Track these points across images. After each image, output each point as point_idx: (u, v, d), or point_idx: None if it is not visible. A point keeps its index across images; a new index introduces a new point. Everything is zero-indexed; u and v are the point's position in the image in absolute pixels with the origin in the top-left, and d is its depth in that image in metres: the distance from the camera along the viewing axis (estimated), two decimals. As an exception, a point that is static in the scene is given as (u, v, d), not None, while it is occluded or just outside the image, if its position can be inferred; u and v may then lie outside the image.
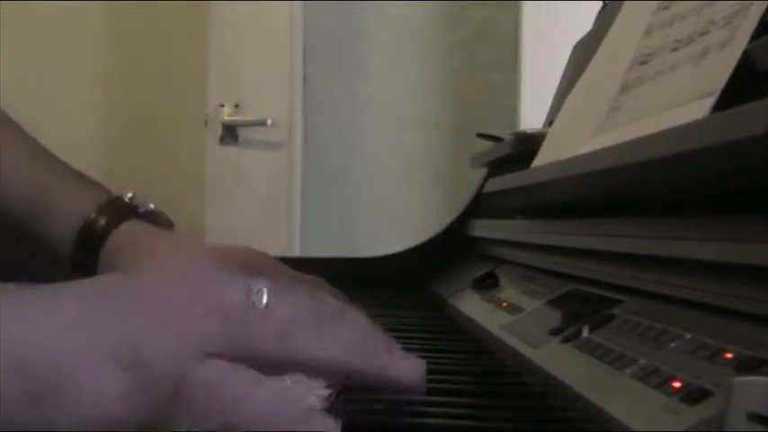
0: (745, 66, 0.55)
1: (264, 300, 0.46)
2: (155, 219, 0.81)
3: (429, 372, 0.64)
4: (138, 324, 0.44)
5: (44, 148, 0.84)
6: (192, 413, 0.43)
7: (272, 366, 0.45)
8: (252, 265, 0.72)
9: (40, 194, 0.79)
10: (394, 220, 2.49)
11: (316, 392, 0.46)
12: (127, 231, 0.78)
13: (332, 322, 0.49)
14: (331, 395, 0.47)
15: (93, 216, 0.78)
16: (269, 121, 2.41)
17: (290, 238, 2.44)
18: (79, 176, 0.83)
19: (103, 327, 0.43)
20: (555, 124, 0.94)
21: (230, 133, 2.47)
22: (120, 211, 0.79)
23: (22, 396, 0.41)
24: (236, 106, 2.46)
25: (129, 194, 0.81)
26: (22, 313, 0.43)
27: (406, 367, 0.50)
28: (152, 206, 0.81)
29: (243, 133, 2.47)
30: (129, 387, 0.42)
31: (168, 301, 0.45)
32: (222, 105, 2.46)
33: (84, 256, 0.77)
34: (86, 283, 0.47)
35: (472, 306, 0.95)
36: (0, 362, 0.41)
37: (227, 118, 2.46)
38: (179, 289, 0.46)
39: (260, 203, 2.45)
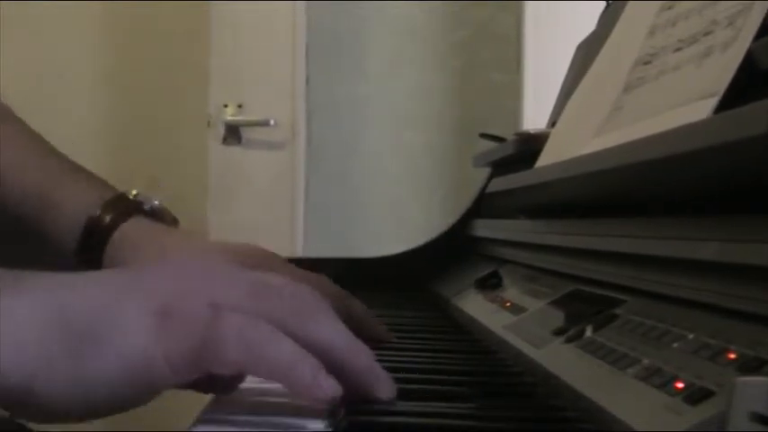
0: (748, 66, 0.55)
1: (274, 281, 0.51)
2: (160, 216, 0.82)
3: (432, 372, 0.65)
4: (168, 283, 0.48)
5: (49, 144, 0.85)
6: (220, 355, 0.46)
7: None
8: (259, 262, 0.74)
9: (46, 191, 0.80)
10: (396, 221, 2.49)
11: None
12: (132, 227, 0.79)
13: (332, 314, 0.53)
14: None
15: (98, 212, 0.79)
16: (272, 122, 2.42)
17: (293, 239, 2.44)
18: (84, 173, 0.84)
19: (137, 285, 0.48)
20: (558, 124, 0.94)
21: (233, 133, 2.47)
22: (126, 207, 0.80)
23: (63, 347, 0.45)
24: (239, 107, 2.46)
25: (134, 192, 0.82)
26: (62, 279, 0.48)
27: (386, 379, 0.53)
28: (157, 203, 0.82)
29: (246, 133, 2.47)
30: (162, 331, 0.46)
31: (194, 271, 0.51)
32: (225, 106, 2.46)
33: (89, 251, 0.78)
34: (120, 268, 0.54)
35: (475, 306, 0.95)
36: (43, 319, 0.45)
37: (229, 118, 2.46)
38: (202, 265, 0.53)
39: (263, 203, 2.45)
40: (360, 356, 0.52)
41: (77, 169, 0.84)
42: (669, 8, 0.74)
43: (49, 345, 0.45)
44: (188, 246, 0.78)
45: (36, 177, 0.80)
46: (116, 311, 0.46)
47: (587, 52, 1.11)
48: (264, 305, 0.50)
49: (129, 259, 0.77)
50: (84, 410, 0.46)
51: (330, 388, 0.47)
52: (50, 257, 0.79)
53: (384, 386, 0.53)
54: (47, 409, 0.45)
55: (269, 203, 2.46)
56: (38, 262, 0.80)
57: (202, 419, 0.51)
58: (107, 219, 0.79)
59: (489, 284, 0.98)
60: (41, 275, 0.48)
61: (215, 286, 0.49)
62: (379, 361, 0.60)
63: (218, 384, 0.52)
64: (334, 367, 0.50)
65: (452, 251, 1.25)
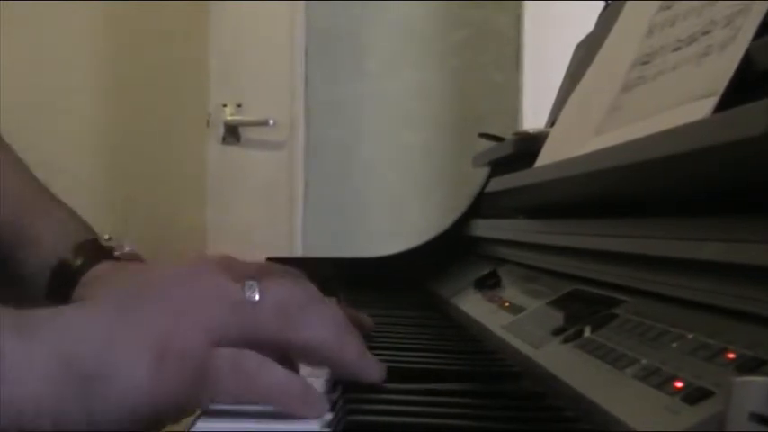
0: (747, 65, 0.55)
1: (256, 294, 0.54)
2: (130, 260, 0.84)
3: (430, 372, 0.65)
4: (164, 319, 0.51)
5: (30, 174, 0.86)
6: (216, 387, 0.50)
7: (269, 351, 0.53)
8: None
9: (21, 226, 0.82)
10: (395, 220, 2.49)
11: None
12: (100, 271, 0.81)
13: (316, 304, 0.57)
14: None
15: (69, 255, 0.81)
16: (271, 122, 2.42)
17: (292, 238, 2.44)
18: (61, 208, 0.85)
19: (135, 325, 0.51)
20: (557, 124, 0.94)
21: (232, 133, 2.48)
22: (96, 252, 0.82)
23: (74, 390, 0.48)
24: (238, 106, 2.46)
25: (107, 236, 0.84)
26: (65, 321, 0.51)
27: (374, 365, 0.57)
28: (128, 248, 0.84)
29: (245, 133, 2.47)
30: (161, 370, 0.49)
31: (184, 300, 0.53)
32: (224, 105, 2.46)
33: (57, 291, 0.80)
34: (112, 292, 0.55)
35: (474, 306, 0.95)
36: (54, 364, 0.48)
37: (228, 118, 2.46)
38: (190, 288, 0.54)
39: (261, 203, 2.45)
40: (347, 349, 0.56)
41: (54, 204, 0.86)
42: (668, 8, 0.74)
43: (61, 391, 0.48)
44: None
45: (12, 211, 0.82)
46: (117, 355, 0.49)
47: (586, 52, 1.11)
48: (251, 325, 0.53)
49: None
50: None
51: (317, 407, 0.52)
52: (22, 289, 0.81)
53: (372, 372, 0.57)
54: None
55: (268, 203, 2.46)
56: (8, 291, 0.83)
57: (202, 417, 0.51)
58: (77, 263, 0.81)
59: (488, 284, 0.98)
60: (40, 316, 0.51)
61: (204, 315, 0.52)
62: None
63: None
64: (326, 362, 0.56)
65: (451, 251, 1.25)
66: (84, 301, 0.54)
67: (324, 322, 0.56)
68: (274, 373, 0.51)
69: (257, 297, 0.54)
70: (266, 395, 0.51)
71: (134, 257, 0.85)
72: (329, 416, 0.53)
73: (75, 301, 0.80)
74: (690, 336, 0.50)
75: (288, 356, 0.56)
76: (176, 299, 0.53)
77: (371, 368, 0.57)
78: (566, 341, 0.63)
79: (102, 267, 0.82)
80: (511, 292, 0.91)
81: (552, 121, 1.11)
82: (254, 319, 0.53)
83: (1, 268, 0.81)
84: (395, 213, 2.51)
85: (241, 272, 0.78)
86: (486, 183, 1.25)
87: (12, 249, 0.81)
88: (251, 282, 0.55)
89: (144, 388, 0.49)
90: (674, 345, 0.50)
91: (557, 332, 0.65)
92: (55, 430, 0.48)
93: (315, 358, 0.56)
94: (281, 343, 0.53)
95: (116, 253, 0.84)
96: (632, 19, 0.84)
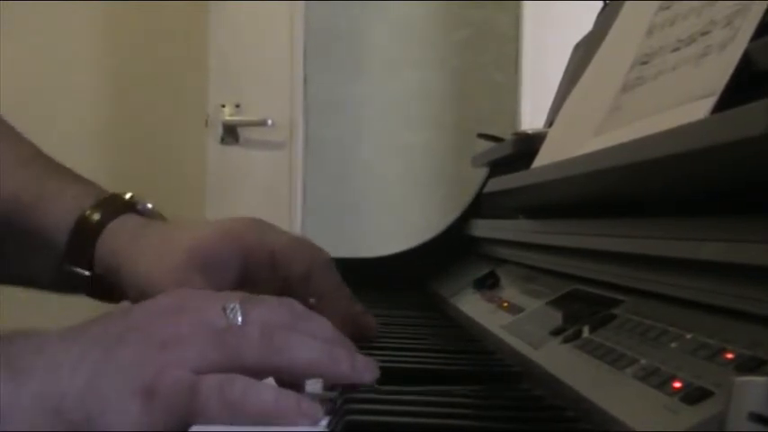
0: (745, 66, 0.55)
1: (239, 318, 0.55)
2: (151, 216, 0.83)
3: (429, 372, 0.65)
4: (149, 360, 0.52)
5: (36, 147, 0.86)
6: (207, 415, 0.50)
7: (258, 375, 0.53)
8: (243, 243, 0.80)
9: (35, 192, 0.80)
10: (395, 220, 2.49)
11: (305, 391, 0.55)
12: (122, 223, 0.80)
13: (300, 322, 0.58)
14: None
15: (89, 210, 0.79)
16: (270, 122, 2.42)
17: (291, 239, 2.43)
18: (77, 176, 0.84)
19: (121, 367, 0.51)
20: (555, 124, 0.94)
21: (231, 133, 2.47)
22: (118, 206, 0.81)
23: None
24: (237, 106, 2.46)
25: (129, 194, 0.83)
26: (52, 363, 0.51)
27: (367, 369, 0.58)
28: (149, 205, 0.83)
29: (244, 133, 2.47)
30: (149, 411, 0.50)
31: (167, 338, 0.53)
32: (223, 105, 2.46)
33: (79, 249, 0.79)
34: (95, 330, 0.55)
35: (473, 306, 0.95)
36: (44, 413, 0.49)
37: (227, 118, 2.46)
38: (172, 325, 0.54)
39: (261, 204, 2.45)
40: (337, 364, 0.56)
41: (66, 171, 0.84)
42: (667, 8, 0.74)
43: None
44: (172, 249, 0.78)
45: (27, 181, 0.81)
46: (104, 400, 0.50)
47: (585, 52, 1.11)
48: (236, 353, 0.53)
49: (120, 258, 0.78)
50: None
51: (312, 416, 0.52)
52: (40, 256, 0.80)
53: (365, 376, 0.57)
54: None
55: (267, 203, 2.46)
56: (28, 262, 0.82)
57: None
58: (97, 216, 0.79)
59: (487, 284, 0.98)
60: (32, 353, 0.52)
61: (188, 352, 0.53)
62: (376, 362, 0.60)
63: None
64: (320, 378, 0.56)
65: (450, 251, 1.25)
66: (69, 334, 0.54)
67: (309, 341, 0.56)
68: (262, 393, 0.52)
69: (240, 320, 0.55)
70: (257, 417, 0.51)
71: (155, 215, 0.84)
72: (328, 416, 0.53)
73: (97, 257, 0.79)
74: (689, 336, 0.50)
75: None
76: (160, 337, 0.53)
77: (364, 373, 0.57)
78: (565, 341, 0.63)
79: (124, 223, 0.80)
80: (510, 292, 0.91)
81: (550, 122, 1.11)
82: (239, 348, 0.54)
83: (17, 238, 0.80)
84: (394, 213, 2.51)
85: (259, 254, 0.78)
86: (485, 183, 1.25)
87: (29, 217, 0.80)
88: (233, 304, 0.56)
89: (130, 427, 0.50)
90: (674, 345, 0.50)
91: (556, 332, 0.65)
92: None
93: (306, 378, 0.56)
94: (268, 369, 0.54)
95: (137, 207, 0.83)
96: (631, 19, 0.84)
